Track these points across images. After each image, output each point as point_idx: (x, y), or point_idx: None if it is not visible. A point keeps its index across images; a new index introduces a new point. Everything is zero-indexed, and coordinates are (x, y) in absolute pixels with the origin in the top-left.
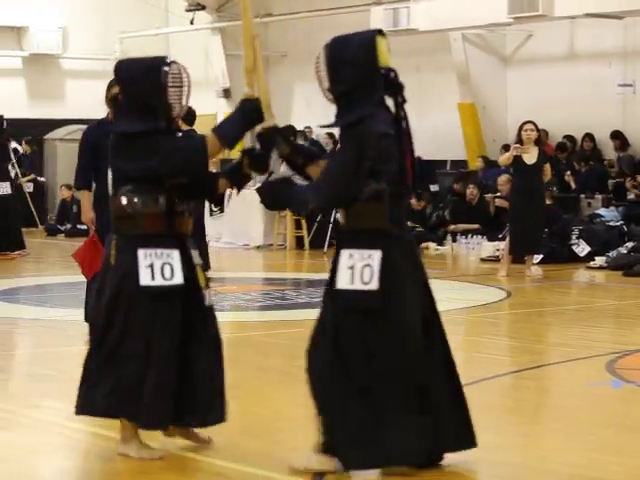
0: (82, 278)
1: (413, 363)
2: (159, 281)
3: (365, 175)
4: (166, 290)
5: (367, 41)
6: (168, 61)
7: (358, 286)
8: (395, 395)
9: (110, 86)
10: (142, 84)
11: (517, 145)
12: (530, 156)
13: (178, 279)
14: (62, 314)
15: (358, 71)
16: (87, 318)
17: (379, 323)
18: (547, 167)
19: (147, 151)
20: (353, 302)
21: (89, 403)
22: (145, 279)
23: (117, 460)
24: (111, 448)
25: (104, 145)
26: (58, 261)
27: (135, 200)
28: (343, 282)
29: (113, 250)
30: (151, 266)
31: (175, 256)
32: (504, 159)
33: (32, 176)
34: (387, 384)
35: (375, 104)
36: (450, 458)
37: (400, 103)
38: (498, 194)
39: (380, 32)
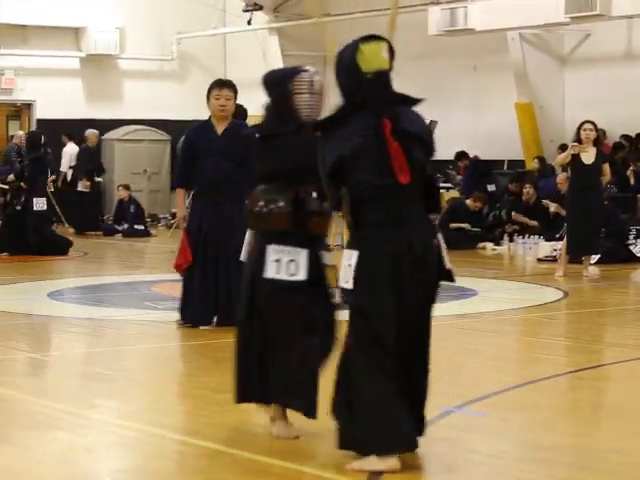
0: (140, 278)
1: None
2: (284, 275)
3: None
4: (288, 285)
5: (349, 49)
6: (300, 70)
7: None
8: None
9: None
10: (274, 92)
11: (575, 144)
12: (588, 156)
13: (302, 276)
14: (120, 314)
15: (341, 78)
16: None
17: None
18: (606, 167)
19: (278, 151)
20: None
21: (247, 391)
22: (271, 272)
23: (171, 459)
24: (167, 447)
25: (203, 145)
26: (115, 261)
27: (266, 199)
28: None
29: (249, 246)
30: (277, 261)
31: (303, 255)
32: (561, 158)
33: (87, 182)
34: None
35: (348, 109)
36: (506, 454)
37: (375, 105)
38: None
39: (370, 38)
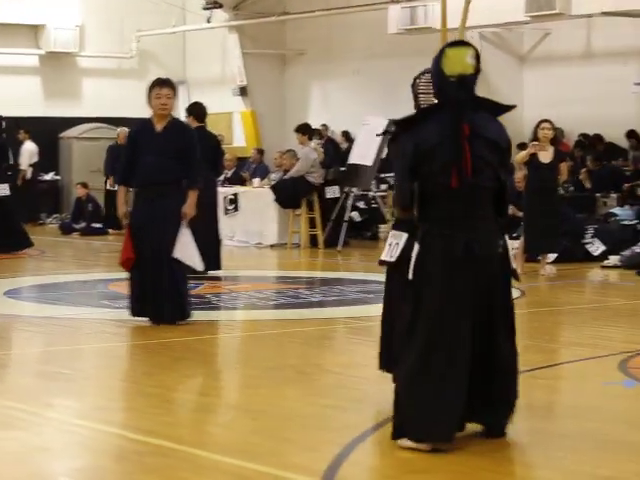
0: (97, 276)
1: None
2: (387, 257)
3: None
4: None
5: (438, 53)
6: (424, 71)
7: None
8: None
9: None
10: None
11: (535, 143)
12: (546, 154)
13: (394, 258)
14: (77, 312)
15: (433, 80)
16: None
17: None
18: (563, 166)
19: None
20: None
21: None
22: (383, 255)
23: (128, 458)
24: (123, 446)
25: (142, 143)
26: (73, 260)
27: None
28: None
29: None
30: (390, 244)
31: (403, 238)
32: (521, 157)
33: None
34: None
35: (426, 109)
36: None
37: (454, 108)
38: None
39: (457, 43)
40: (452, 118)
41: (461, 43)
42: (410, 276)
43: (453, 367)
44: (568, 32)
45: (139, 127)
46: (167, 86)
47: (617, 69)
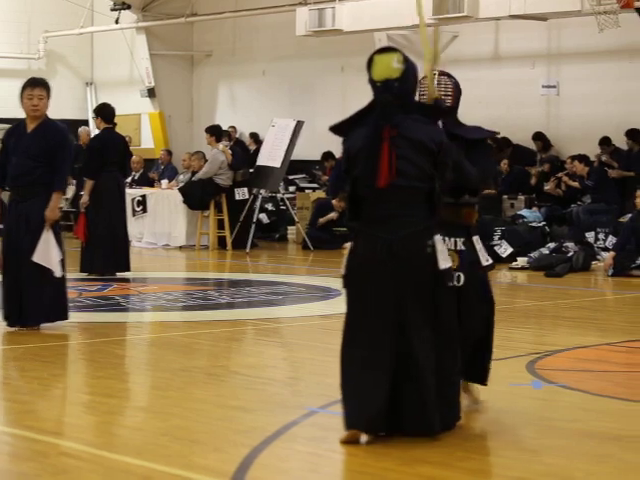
0: None
1: None
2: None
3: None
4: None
5: (368, 60)
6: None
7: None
8: None
9: None
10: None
11: None
12: None
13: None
14: None
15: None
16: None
17: None
18: None
19: None
20: None
21: None
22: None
23: (35, 460)
24: (29, 448)
25: (12, 144)
26: None
27: None
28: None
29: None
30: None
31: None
32: None
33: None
34: None
35: (359, 114)
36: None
37: (378, 112)
38: None
39: (385, 49)
40: (377, 122)
41: (388, 49)
42: (342, 275)
43: (371, 366)
44: (476, 35)
45: (13, 128)
46: (39, 86)
47: (525, 72)
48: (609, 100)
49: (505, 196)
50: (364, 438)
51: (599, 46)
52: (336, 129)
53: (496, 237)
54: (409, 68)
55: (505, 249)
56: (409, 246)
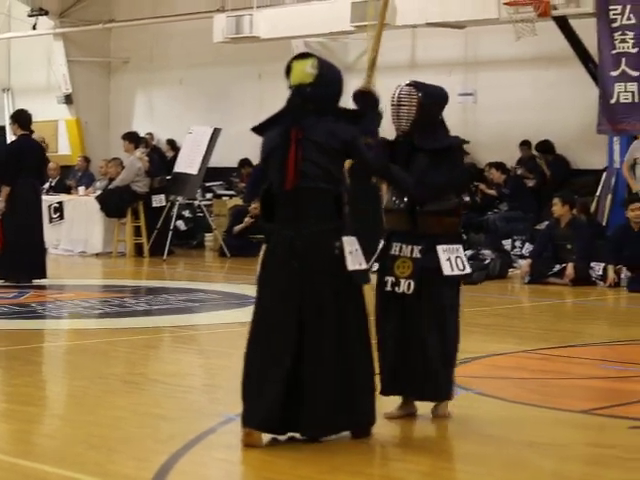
0: None
1: None
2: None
3: None
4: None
5: (286, 68)
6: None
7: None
8: None
9: None
10: None
11: None
12: None
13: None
14: None
15: None
16: None
17: None
18: None
19: None
20: None
21: None
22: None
23: None
24: None
25: None
26: None
27: None
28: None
29: None
30: (448, 259)
31: (461, 250)
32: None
33: None
34: None
35: (277, 114)
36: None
37: (287, 115)
38: None
39: (301, 55)
40: (287, 125)
41: (305, 55)
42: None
43: (269, 365)
44: (393, 42)
45: None
46: None
47: (442, 79)
48: (526, 108)
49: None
50: (263, 440)
51: (516, 54)
52: (256, 129)
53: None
54: (324, 73)
55: None
56: (314, 246)
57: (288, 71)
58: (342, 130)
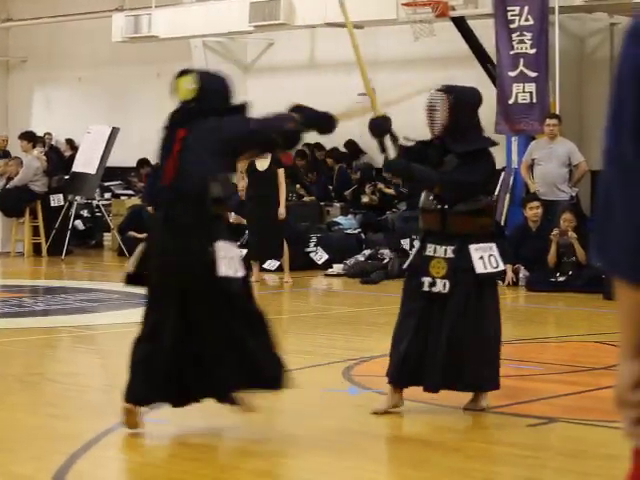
0: None
1: None
2: (487, 269)
3: None
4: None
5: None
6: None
7: None
8: None
9: None
10: None
11: None
12: (263, 162)
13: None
14: None
15: None
16: None
17: None
18: (280, 173)
19: None
20: None
21: None
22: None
23: None
24: None
25: None
26: None
27: None
28: None
29: None
30: (481, 258)
31: (494, 248)
32: (241, 166)
33: None
34: None
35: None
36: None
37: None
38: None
39: (183, 72)
40: (169, 125)
41: (185, 72)
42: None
43: (156, 358)
44: (292, 42)
45: None
46: None
47: (341, 79)
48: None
49: (322, 203)
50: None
51: (415, 55)
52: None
53: (312, 244)
54: (206, 87)
55: (321, 256)
56: (185, 251)
57: (173, 89)
58: (219, 128)
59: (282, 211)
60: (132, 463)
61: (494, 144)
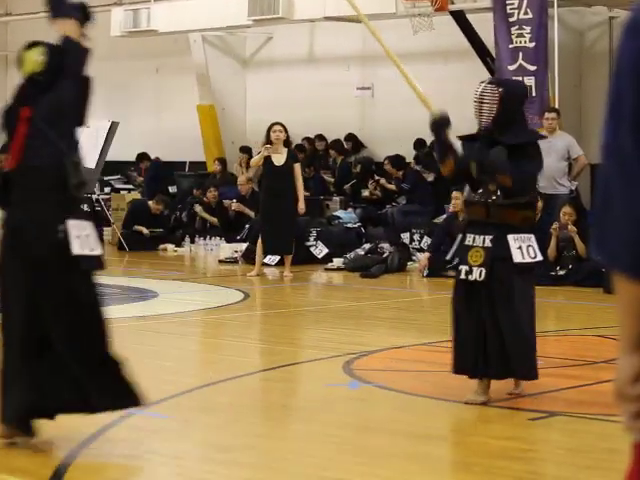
0: None
1: None
2: (527, 258)
3: None
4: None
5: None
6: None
7: None
8: None
9: None
10: None
11: (268, 145)
12: (279, 157)
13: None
14: None
15: None
16: None
17: None
18: (297, 167)
19: None
20: None
21: None
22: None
23: None
24: None
25: None
26: None
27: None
28: None
29: None
30: (519, 248)
31: (533, 239)
32: (255, 160)
33: None
34: None
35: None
36: (188, 455)
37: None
38: (234, 201)
39: (31, 45)
40: (11, 103)
41: (34, 44)
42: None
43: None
44: (291, 36)
45: None
46: None
47: (340, 73)
48: None
49: (321, 197)
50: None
51: (414, 49)
52: None
53: (312, 238)
54: (52, 59)
55: (321, 250)
56: (34, 231)
57: (20, 62)
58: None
59: (302, 206)
60: (131, 458)
61: (542, 137)
